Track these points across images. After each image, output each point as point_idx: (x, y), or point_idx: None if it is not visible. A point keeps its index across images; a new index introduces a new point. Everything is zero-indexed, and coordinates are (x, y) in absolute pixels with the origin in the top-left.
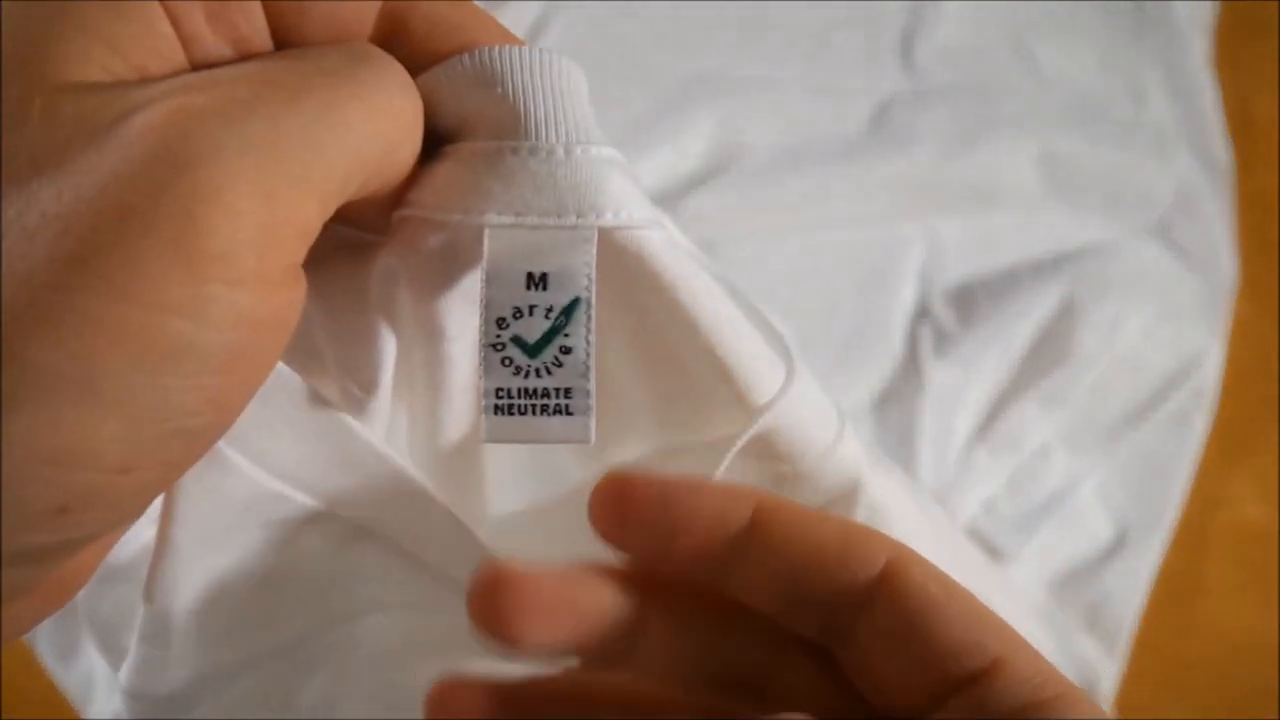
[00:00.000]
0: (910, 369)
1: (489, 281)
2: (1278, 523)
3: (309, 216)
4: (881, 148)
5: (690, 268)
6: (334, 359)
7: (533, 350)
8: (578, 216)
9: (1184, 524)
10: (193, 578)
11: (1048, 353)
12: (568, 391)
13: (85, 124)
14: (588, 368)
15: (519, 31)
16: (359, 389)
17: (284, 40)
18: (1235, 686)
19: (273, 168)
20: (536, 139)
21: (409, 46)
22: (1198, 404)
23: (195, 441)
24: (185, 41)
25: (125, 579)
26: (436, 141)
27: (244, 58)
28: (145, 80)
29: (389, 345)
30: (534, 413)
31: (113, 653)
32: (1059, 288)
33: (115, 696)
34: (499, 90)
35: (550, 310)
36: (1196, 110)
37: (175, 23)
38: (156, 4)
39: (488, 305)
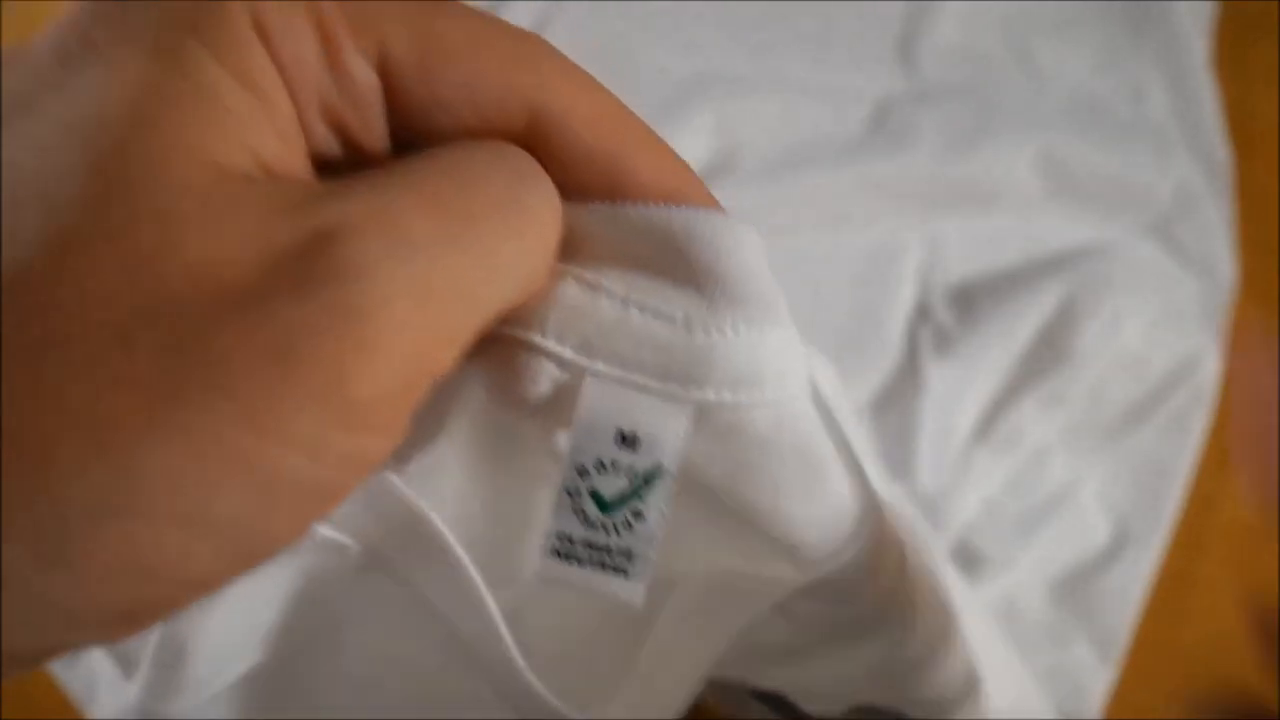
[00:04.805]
0: (910, 369)
1: (579, 429)
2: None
3: (448, 365)
4: (881, 148)
5: (782, 458)
6: None
7: (606, 507)
8: (684, 387)
9: (1183, 524)
10: (207, 602)
11: (1048, 353)
12: (629, 554)
13: (258, 243)
14: (655, 537)
15: None
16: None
17: (407, 137)
18: (1234, 686)
19: (432, 323)
20: (674, 304)
21: (552, 168)
22: (1197, 404)
23: (267, 560)
24: (303, 125)
25: None
26: None
27: (355, 152)
28: (306, 190)
29: (438, 429)
30: (591, 565)
31: (125, 663)
32: (1059, 288)
33: (119, 696)
34: (658, 247)
35: (633, 472)
36: (1196, 110)
37: (295, 104)
38: (280, 81)
39: (573, 451)
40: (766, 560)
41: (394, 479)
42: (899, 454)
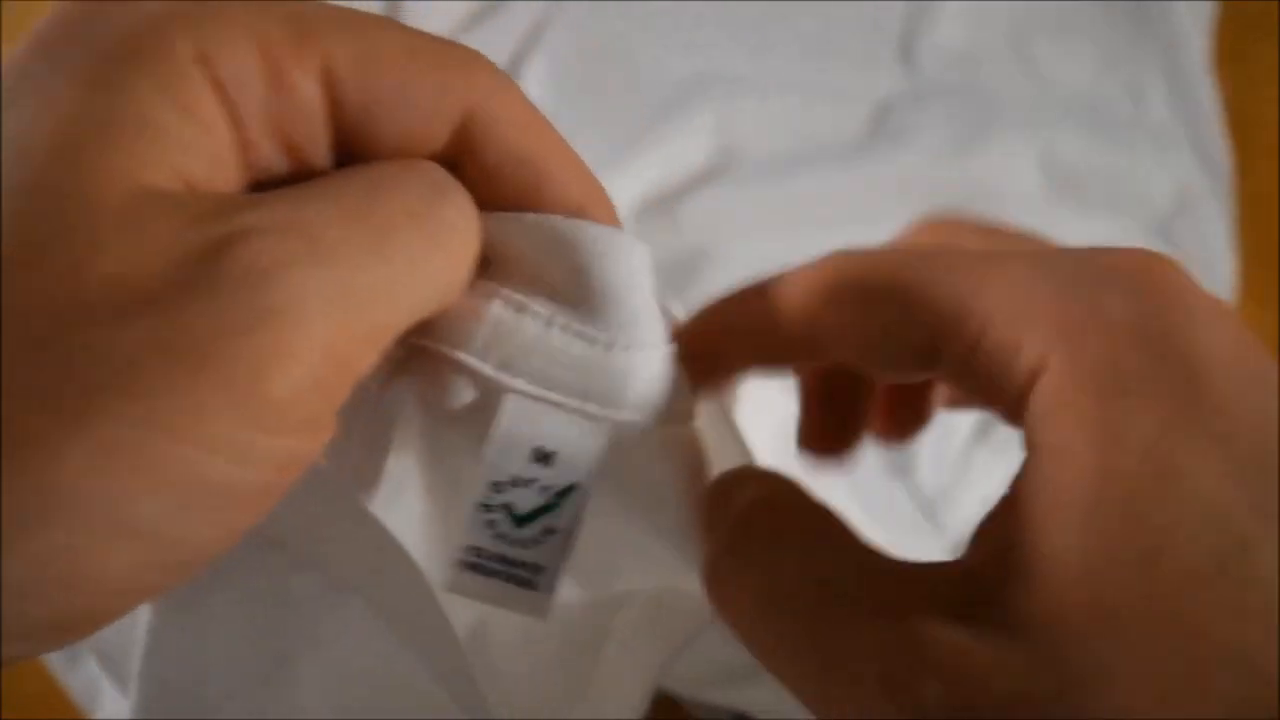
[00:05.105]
0: None
1: (495, 446)
2: None
3: (368, 364)
4: (881, 148)
5: (687, 474)
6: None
7: (519, 521)
8: (601, 407)
9: None
10: (180, 635)
11: None
12: (539, 569)
13: (169, 251)
14: (565, 552)
15: (519, 32)
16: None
17: (347, 149)
18: None
19: (350, 324)
20: (591, 326)
21: (475, 174)
22: None
23: (198, 568)
24: (242, 146)
25: None
26: None
27: (299, 167)
28: (223, 202)
29: (387, 444)
30: (501, 578)
31: (119, 678)
32: None
33: (121, 700)
34: (573, 267)
35: (547, 489)
36: (1196, 110)
37: (235, 127)
38: (219, 107)
39: (488, 467)
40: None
41: (364, 504)
42: (899, 454)
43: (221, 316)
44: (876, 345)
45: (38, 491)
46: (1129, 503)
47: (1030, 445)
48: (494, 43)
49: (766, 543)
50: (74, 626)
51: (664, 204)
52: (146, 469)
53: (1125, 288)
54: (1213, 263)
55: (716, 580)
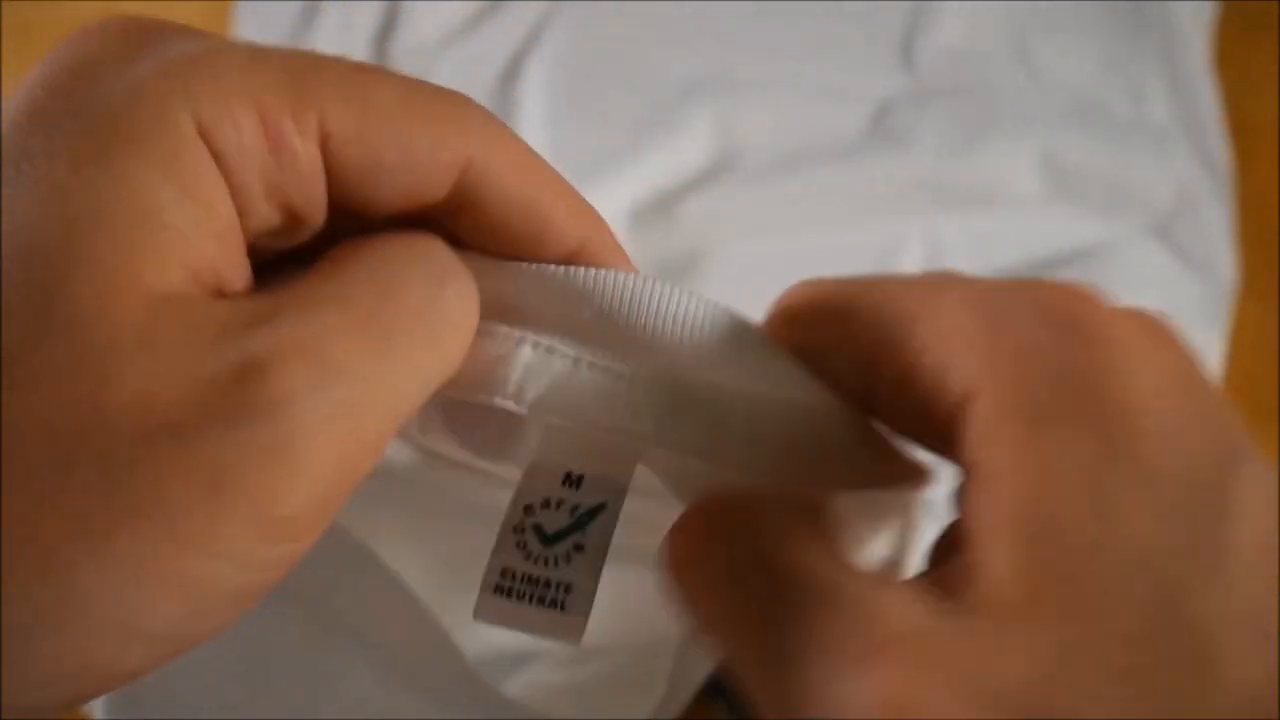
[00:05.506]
0: None
1: (529, 473)
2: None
3: (373, 463)
4: (881, 148)
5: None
6: None
7: (549, 540)
8: (628, 435)
9: None
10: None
11: None
12: (568, 587)
13: (188, 377)
14: (595, 572)
15: (519, 32)
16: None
17: (345, 203)
18: None
19: (357, 436)
20: (617, 361)
21: (477, 223)
22: None
23: (194, 646)
24: (241, 214)
25: None
26: None
27: (296, 224)
28: (235, 315)
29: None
30: (530, 601)
31: None
32: None
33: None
34: (599, 312)
35: (576, 509)
36: (1196, 110)
37: (234, 195)
38: (220, 182)
39: (520, 492)
40: None
41: (367, 542)
42: None
43: (239, 446)
44: (821, 362)
45: (59, 600)
46: (1065, 536)
47: (967, 466)
48: (494, 43)
49: (740, 517)
50: (84, 700)
51: (663, 203)
52: (161, 582)
53: (1050, 322)
54: (1213, 263)
55: (676, 541)
